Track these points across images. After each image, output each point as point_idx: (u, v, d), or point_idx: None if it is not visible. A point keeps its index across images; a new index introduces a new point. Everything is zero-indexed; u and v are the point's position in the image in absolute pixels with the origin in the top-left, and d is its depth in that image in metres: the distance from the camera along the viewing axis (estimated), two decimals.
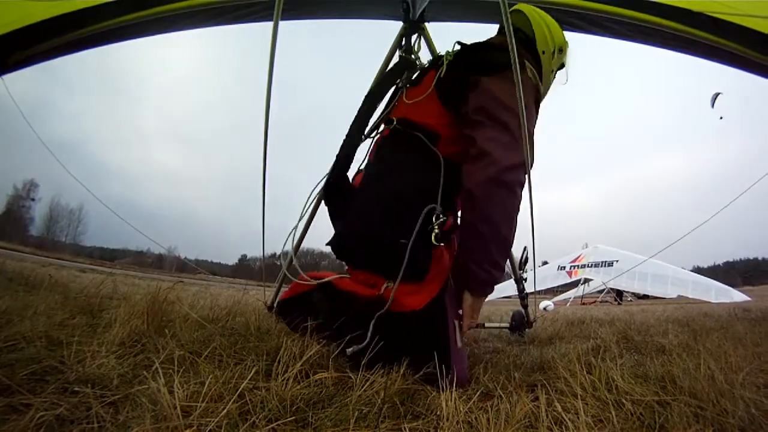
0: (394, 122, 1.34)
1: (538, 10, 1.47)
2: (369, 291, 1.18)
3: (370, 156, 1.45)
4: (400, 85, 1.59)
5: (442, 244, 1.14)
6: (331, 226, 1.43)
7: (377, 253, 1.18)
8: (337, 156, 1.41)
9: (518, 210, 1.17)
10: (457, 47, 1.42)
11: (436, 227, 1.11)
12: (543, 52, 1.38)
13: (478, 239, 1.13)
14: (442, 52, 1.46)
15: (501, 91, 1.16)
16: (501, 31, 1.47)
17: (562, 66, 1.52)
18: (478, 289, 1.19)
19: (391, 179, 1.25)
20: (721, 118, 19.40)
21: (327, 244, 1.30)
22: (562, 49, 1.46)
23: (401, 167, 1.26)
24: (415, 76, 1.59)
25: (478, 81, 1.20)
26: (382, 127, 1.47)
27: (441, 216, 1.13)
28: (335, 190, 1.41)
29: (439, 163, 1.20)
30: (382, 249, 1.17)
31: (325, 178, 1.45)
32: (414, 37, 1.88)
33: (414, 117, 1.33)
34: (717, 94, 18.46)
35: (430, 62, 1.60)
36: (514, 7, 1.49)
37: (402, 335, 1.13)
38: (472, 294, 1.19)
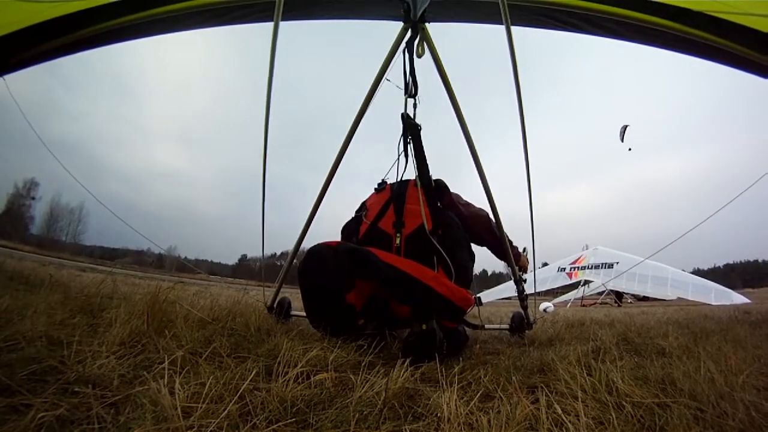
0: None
1: None
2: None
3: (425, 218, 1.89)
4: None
5: None
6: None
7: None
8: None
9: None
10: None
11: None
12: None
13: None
14: (443, 53, 1.63)
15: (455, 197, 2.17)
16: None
17: None
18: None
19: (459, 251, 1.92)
20: (629, 149, 20.25)
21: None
22: None
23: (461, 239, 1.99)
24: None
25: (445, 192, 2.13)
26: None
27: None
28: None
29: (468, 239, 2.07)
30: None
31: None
32: (415, 38, 1.89)
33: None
34: (625, 127, 18.77)
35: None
36: None
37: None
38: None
